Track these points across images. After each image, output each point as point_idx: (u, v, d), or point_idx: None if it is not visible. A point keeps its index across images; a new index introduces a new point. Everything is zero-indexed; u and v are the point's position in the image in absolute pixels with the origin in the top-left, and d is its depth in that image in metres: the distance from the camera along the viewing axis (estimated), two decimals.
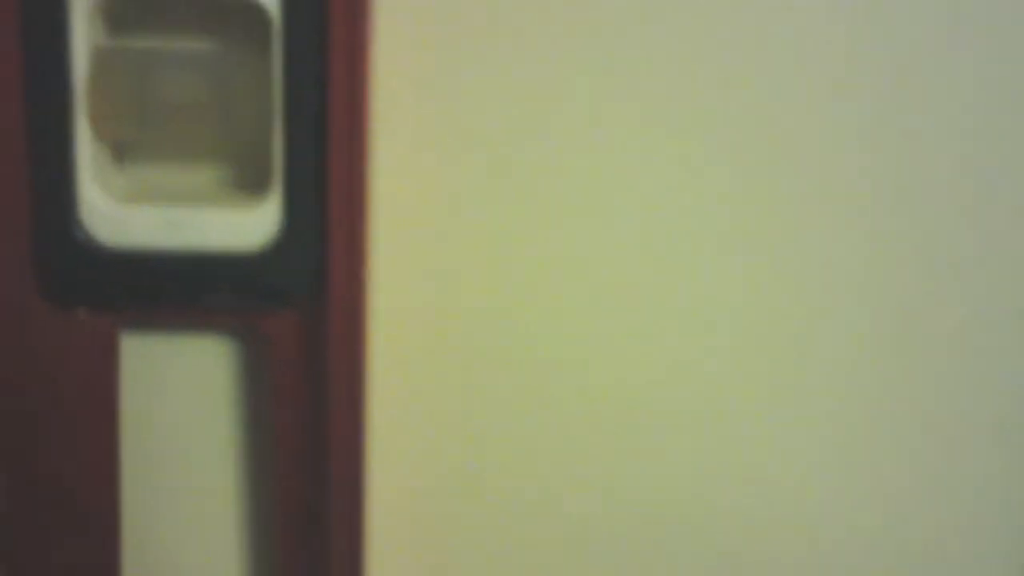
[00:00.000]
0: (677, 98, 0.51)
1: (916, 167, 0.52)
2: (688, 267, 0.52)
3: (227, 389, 0.54)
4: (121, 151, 0.51)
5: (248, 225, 0.49)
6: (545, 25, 0.51)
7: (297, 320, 0.50)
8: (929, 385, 0.55)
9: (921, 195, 0.52)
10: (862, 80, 0.51)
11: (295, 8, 0.47)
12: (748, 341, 0.54)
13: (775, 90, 0.51)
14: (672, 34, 0.50)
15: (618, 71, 0.50)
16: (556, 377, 0.54)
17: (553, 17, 0.50)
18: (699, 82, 0.50)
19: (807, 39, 0.50)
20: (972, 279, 0.53)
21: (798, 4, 0.50)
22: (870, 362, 0.54)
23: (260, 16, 0.47)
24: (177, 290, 0.49)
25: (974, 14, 0.51)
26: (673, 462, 0.54)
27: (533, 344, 0.54)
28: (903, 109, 0.51)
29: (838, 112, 0.51)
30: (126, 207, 0.48)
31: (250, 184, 0.51)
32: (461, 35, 0.50)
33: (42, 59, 0.46)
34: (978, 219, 0.52)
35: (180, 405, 0.54)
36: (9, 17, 0.46)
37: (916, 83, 0.51)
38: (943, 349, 0.54)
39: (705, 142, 0.51)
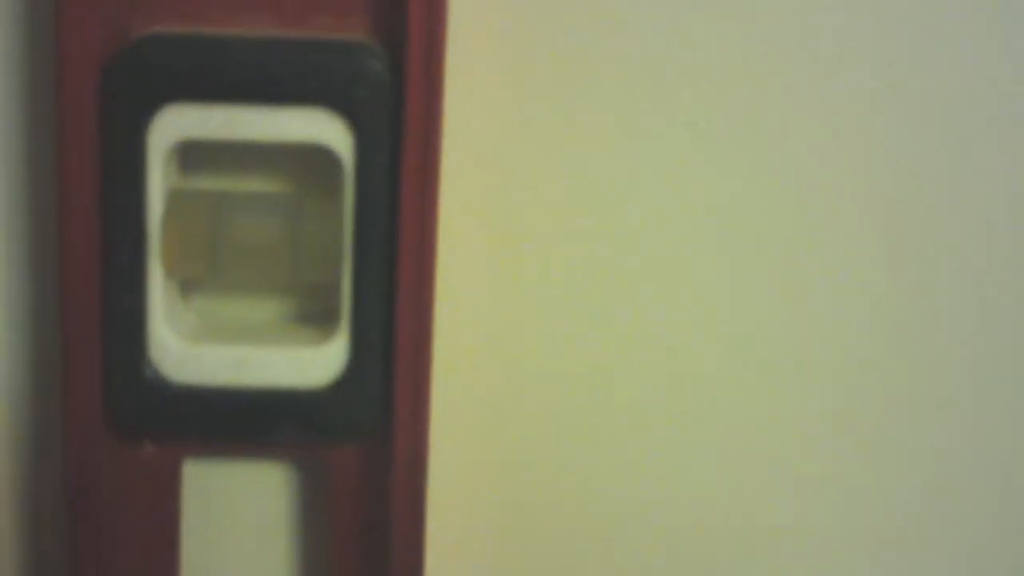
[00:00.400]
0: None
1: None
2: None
3: (287, 517, 0.54)
4: (190, 287, 0.51)
5: (315, 363, 0.49)
6: (607, 168, 0.51)
7: (360, 453, 0.51)
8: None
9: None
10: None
11: (367, 153, 0.47)
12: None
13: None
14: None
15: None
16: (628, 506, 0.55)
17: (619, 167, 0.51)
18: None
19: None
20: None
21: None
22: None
23: (331, 159, 0.47)
24: (243, 426, 0.50)
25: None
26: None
27: (600, 490, 0.55)
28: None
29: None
30: (195, 345, 0.49)
31: (317, 319, 0.52)
32: (524, 179, 0.51)
33: (118, 199, 0.47)
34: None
35: (240, 531, 0.54)
36: (89, 159, 0.46)
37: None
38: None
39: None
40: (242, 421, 0.50)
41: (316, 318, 0.52)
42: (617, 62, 0.51)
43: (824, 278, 0.54)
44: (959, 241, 0.54)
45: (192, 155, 0.50)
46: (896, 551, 0.57)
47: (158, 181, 0.47)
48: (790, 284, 0.53)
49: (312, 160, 0.49)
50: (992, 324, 0.55)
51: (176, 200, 0.48)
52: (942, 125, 0.53)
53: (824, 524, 0.57)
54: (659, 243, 0.53)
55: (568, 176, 0.52)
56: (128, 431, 0.50)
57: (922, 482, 0.57)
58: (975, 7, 0.52)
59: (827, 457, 0.56)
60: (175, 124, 0.47)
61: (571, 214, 0.52)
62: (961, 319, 0.55)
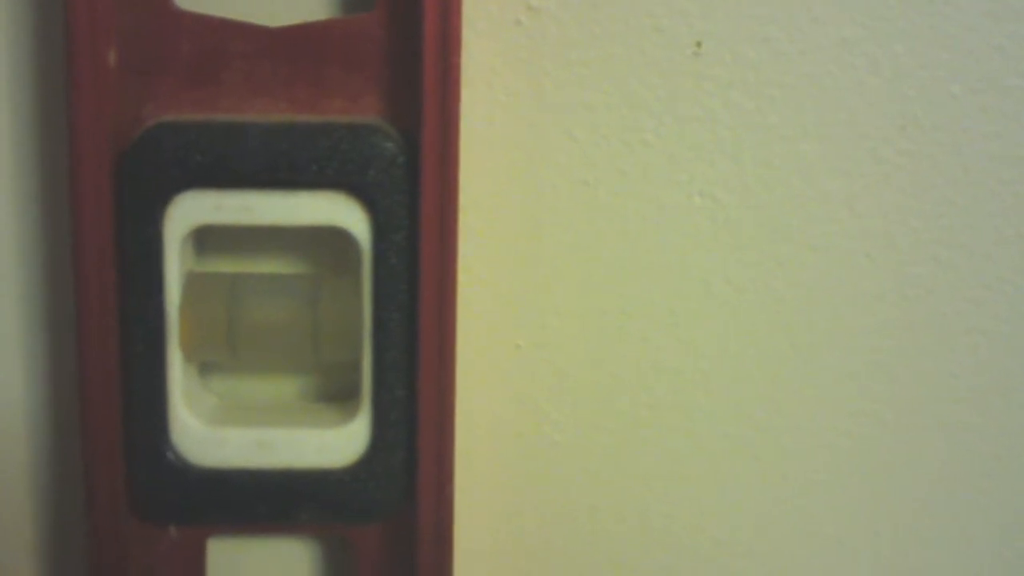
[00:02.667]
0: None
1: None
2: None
3: None
4: (209, 368, 0.51)
5: (337, 443, 0.49)
6: (624, 247, 0.51)
7: (385, 531, 0.51)
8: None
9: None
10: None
11: (384, 233, 0.47)
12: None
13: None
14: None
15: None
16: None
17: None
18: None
19: None
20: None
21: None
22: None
23: (349, 241, 0.47)
24: (266, 507, 0.49)
25: None
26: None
27: (633, 549, 0.54)
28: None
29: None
30: (216, 428, 0.49)
31: (339, 398, 0.51)
32: (540, 256, 0.51)
33: (135, 285, 0.47)
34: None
35: None
36: (104, 246, 0.46)
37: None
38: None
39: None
40: (265, 502, 0.49)
41: (337, 397, 0.52)
42: (631, 138, 0.51)
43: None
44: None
45: (209, 237, 0.49)
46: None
47: (175, 266, 0.47)
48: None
49: (329, 241, 0.49)
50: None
51: (193, 284, 0.48)
52: (954, 191, 0.53)
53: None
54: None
55: (586, 255, 0.52)
56: (151, 514, 0.50)
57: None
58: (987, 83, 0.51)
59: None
60: (190, 211, 0.47)
61: (588, 292, 0.52)
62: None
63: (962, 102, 0.51)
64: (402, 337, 0.48)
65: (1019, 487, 0.56)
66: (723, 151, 0.51)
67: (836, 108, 0.51)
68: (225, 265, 0.50)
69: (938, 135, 0.52)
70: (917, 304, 0.53)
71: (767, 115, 0.51)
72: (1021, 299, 0.54)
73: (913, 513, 0.56)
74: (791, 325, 0.53)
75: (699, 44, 0.50)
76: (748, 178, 0.51)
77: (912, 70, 0.51)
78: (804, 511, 0.56)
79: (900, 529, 0.56)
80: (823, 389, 0.54)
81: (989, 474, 0.56)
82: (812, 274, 0.53)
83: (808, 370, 0.54)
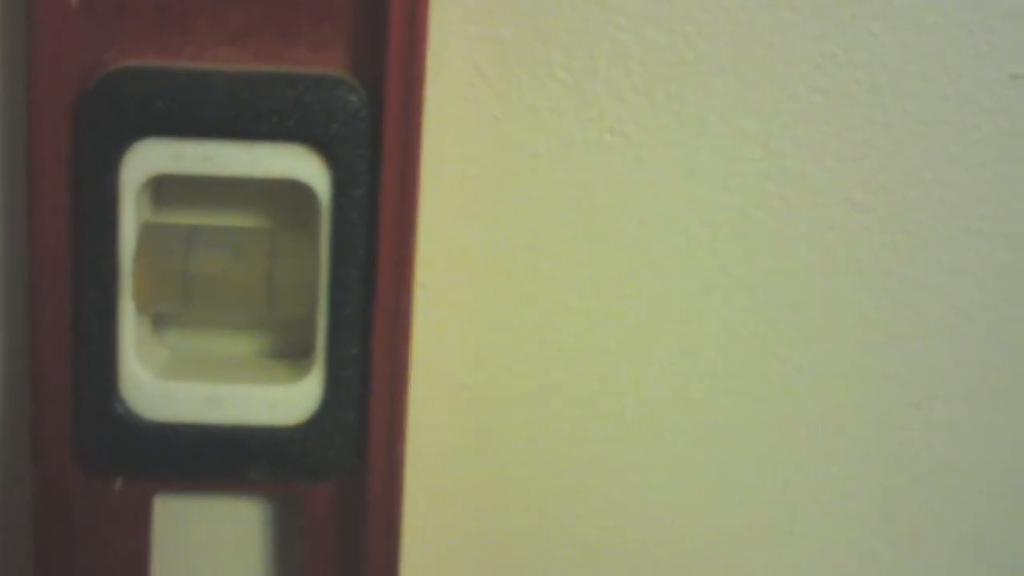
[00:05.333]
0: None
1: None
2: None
3: (261, 552, 0.54)
4: (162, 322, 0.50)
5: (289, 401, 0.49)
6: (590, 201, 0.51)
7: (334, 491, 0.50)
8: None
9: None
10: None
11: (344, 188, 0.47)
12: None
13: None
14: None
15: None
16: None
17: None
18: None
19: None
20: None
21: None
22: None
23: (308, 195, 0.47)
24: (215, 464, 0.49)
25: None
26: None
27: (581, 523, 0.54)
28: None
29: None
30: (166, 382, 0.48)
31: (292, 355, 0.51)
32: (502, 214, 0.51)
33: (90, 234, 0.46)
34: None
35: (212, 567, 0.53)
36: (60, 192, 0.46)
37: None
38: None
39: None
40: (214, 459, 0.49)
41: (291, 355, 0.51)
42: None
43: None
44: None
45: (166, 189, 0.49)
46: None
47: (131, 216, 0.47)
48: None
49: (288, 195, 0.48)
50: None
51: (149, 234, 0.47)
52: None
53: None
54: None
55: (548, 209, 0.51)
56: (98, 467, 0.49)
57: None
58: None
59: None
60: (149, 159, 0.46)
61: (549, 247, 0.52)
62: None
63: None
64: (358, 294, 0.48)
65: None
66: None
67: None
68: (182, 217, 0.49)
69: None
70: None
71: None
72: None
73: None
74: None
75: None
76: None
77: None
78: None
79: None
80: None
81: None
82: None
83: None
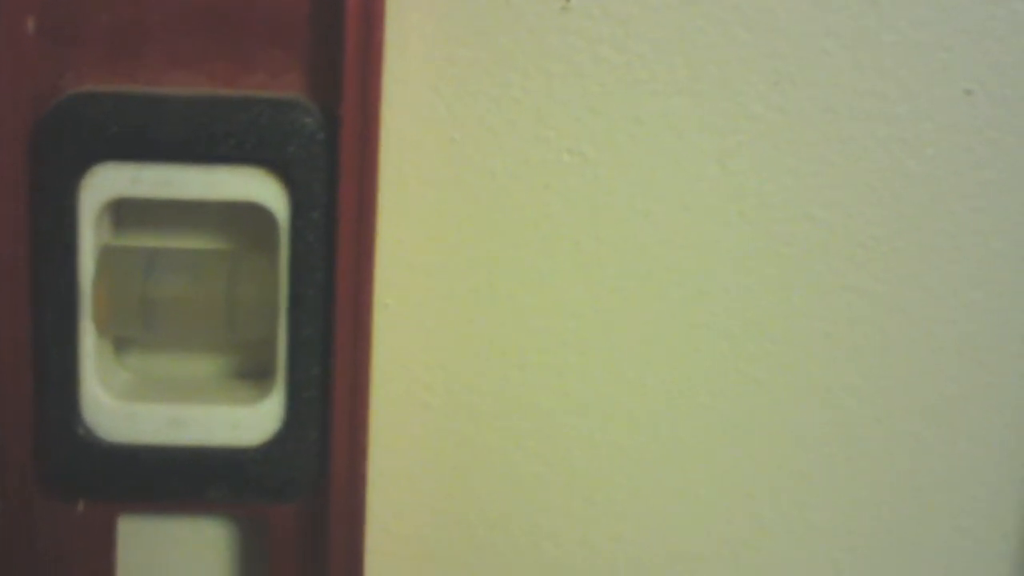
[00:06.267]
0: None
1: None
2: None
3: (224, 572, 0.54)
4: (123, 344, 0.51)
5: (250, 421, 0.49)
6: (549, 223, 0.51)
7: (297, 511, 0.50)
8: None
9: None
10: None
11: (302, 210, 0.47)
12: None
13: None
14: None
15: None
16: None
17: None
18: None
19: None
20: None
21: None
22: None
23: (267, 217, 0.47)
24: (177, 485, 0.49)
25: None
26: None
27: (550, 526, 0.55)
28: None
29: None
30: (128, 404, 0.48)
31: (253, 376, 0.51)
32: (459, 235, 0.51)
33: (49, 257, 0.47)
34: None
35: None
36: (19, 216, 0.46)
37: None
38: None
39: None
40: (176, 480, 0.49)
41: (252, 376, 0.51)
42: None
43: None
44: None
45: (125, 211, 0.49)
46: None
47: (90, 239, 0.47)
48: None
49: (247, 217, 0.49)
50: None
51: (108, 258, 0.48)
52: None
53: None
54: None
55: (506, 228, 0.52)
56: (61, 490, 0.49)
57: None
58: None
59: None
60: (107, 182, 0.46)
61: (509, 266, 0.52)
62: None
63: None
64: (318, 315, 0.48)
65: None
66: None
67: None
68: (142, 240, 0.50)
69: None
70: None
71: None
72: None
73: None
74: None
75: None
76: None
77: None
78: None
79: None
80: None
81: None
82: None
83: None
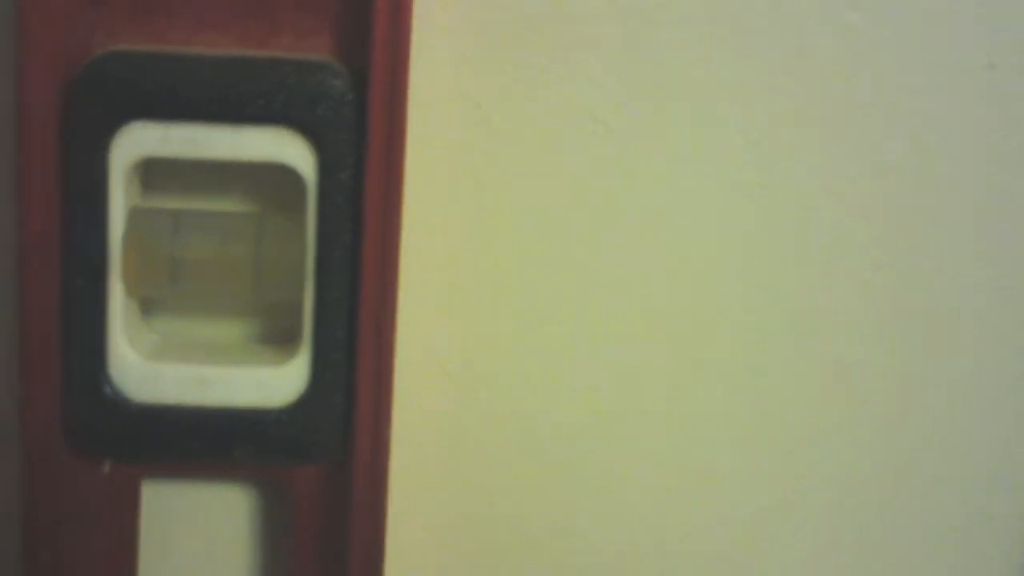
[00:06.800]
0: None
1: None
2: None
3: (247, 537, 0.54)
4: (151, 307, 0.51)
5: (276, 383, 0.49)
6: (576, 192, 0.51)
7: (320, 475, 0.51)
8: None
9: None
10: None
11: (330, 172, 0.47)
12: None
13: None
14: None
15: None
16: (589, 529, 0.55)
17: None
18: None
19: None
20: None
21: None
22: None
23: (294, 178, 0.47)
24: (203, 445, 0.49)
25: None
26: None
27: (562, 509, 0.55)
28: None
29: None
30: (155, 364, 0.49)
31: (279, 339, 0.52)
32: (488, 198, 0.51)
33: (79, 217, 0.47)
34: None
35: (198, 553, 0.54)
36: (50, 176, 0.46)
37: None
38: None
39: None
40: (201, 440, 0.49)
41: (278, 338, 0.52)
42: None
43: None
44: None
45: (154, 174, 0.49)
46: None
47: (120, 199, 0.47)
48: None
49: (275, 179, 0.49)
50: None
51: (137, 218, 0.48)
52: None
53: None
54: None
55: (530, 195, 0.52)
56: (87, 448, 0.49)
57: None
58: None
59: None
60: (137, 142, 0.47)
61: (532, 232, 0.52)
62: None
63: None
64: (344, 278, 0.48)
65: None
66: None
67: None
68: (170, 203, 0.50)
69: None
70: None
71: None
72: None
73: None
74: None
75: None
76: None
77: None
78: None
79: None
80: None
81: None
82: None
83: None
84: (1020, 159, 0.54)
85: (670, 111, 0.52)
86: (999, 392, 0.57)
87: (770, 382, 0.55)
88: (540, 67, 0.51)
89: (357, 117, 0.47)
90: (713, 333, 0.54)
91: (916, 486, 0.57)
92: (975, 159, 0.54)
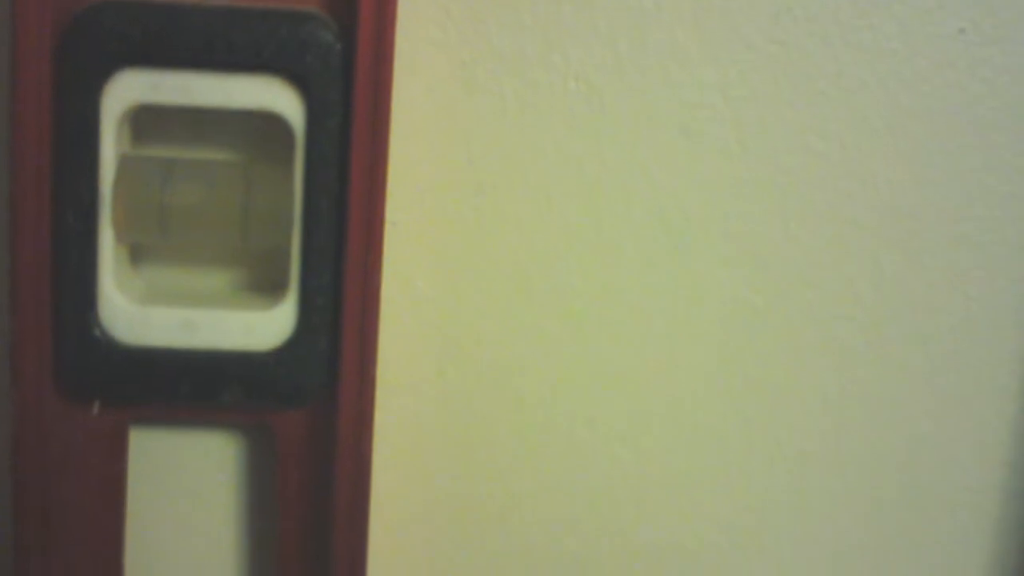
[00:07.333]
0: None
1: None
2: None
3: (233, 481, 0.55)
4: (140, 255, 0.52)
5: (263, 326, 0.50)
6: (560, 144, 0.53)
7: (305, 419, 0.52)
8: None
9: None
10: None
11: (318, 120, 0.48)
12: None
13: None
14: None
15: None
16: (575, 475, 0.56)
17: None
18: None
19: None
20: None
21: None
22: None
23: (282, 127, 0.48)
24: (191, 388, 0.50)
25: None
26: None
27: (550, 444, 0.56)
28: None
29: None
30: (144, 307, 0.50)
31: (267, 286, 0.53)
32: (473, 148, 0.52)
33: (71, 163, 0.48)
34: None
35: (185, 499, 0.55)
36: (42, 122, 0.47)
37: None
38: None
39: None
40: (189, 383, 0.50)
41: (265, 285, 0.53)
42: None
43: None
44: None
45: (144, 123, 0.50)
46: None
47: (111, 146, 0.48)
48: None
49: (263, 128, 0.50)
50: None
51: (127, 166, 0.49)
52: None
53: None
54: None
55: (513, 150, 0.53)
56: (76, 390, 0.50)
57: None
58: None
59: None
60: (128, 89, 0.48)
61: (514, 186, 0.53)
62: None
63: None
64: (331, 224, 0.49)
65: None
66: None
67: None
68: (160, 151, 0.51)
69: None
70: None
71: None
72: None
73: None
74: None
75: None
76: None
77: None
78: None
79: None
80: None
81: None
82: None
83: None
84: (992, 123, 0.55)
85: (651, 70, 0.53)
86: (995, 391, 0.58)
87: (753, 325, 0.57)
88: (524, 25, 0.52)
89: (345, 67, 0.48)
90: (693, 277, 0.56)
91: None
92: (948, 122, 0.55)
